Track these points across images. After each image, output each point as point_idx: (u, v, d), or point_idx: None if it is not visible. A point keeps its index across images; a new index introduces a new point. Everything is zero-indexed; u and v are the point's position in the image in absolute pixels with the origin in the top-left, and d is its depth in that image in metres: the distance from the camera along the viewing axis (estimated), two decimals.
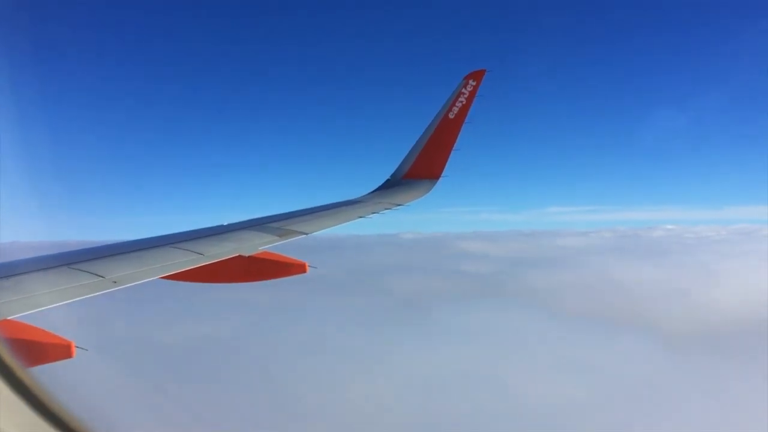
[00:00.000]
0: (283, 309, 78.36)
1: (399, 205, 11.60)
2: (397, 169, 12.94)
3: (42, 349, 5.44)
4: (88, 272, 6.43)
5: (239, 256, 7.88)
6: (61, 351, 5.57)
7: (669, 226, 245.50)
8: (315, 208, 10.86)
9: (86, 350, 5.67)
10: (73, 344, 5.61)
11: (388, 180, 12.92)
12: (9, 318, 5.32)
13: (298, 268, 8.20)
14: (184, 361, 57.73)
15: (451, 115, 12.40)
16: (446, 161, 12.55)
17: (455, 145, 12.46)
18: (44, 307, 5.62)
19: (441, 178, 12.60)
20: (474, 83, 12.42)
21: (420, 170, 12.67)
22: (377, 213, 11.03)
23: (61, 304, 5.77)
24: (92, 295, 6.04)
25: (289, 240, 8.91)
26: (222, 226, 9.24)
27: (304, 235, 9.22)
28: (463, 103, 12.38)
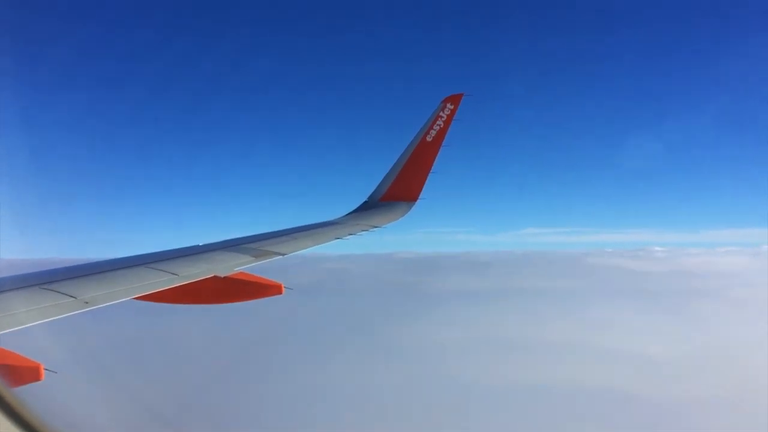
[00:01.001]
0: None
1: (376, 227, 11.66)
2: (375, 192, 13.04)
3: (10, 372, 5.34)
4: (59, 292, 6.33)
5: (214, 276, 7.83)
6: (30, 374, 5.47)
7: (658, 248, 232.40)
8: (291, 229, 10.86)
9: (56, 373, 5.58)
10: (42, 366, 5.52)
11: (365, 202, 12.99)
12: None
13: (274, 290, 8.15)
14: (157, 382, 56.60)
15: (428, 138, 12.56)
16: (423, 184, 12.69)
17: (432, 167, 12.63)
18: (13, 329, 5.52)
19: (418, 201, 12.73)
20: (452, 107, 12.61)
21: (397, 193, 12.77)
22: (354, 234, 11.07)
23: (30, 324, 5.68)
24: (63, 316, 5.95)
25: (266, 261, 8.87)
26: (197, 246, 9.18)
27: (281, 256, 9.20)
28: (441, 126, 12.55)
